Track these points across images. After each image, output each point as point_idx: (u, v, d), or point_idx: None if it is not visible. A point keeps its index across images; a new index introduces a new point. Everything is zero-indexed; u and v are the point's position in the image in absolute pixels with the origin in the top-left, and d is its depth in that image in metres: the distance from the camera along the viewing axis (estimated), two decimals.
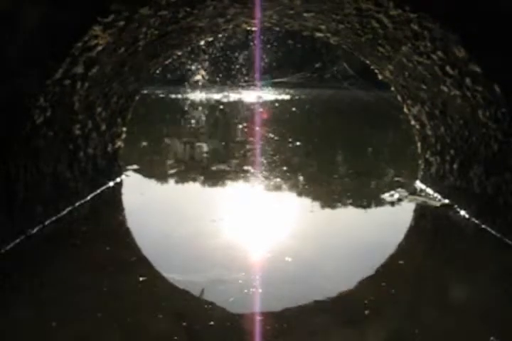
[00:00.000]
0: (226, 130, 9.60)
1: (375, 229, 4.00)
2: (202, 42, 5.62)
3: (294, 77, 19.36)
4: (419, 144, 5.27)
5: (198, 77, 19.25)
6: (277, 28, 5.78)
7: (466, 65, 3.36)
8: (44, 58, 3.09)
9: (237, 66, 19.76)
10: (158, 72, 5.52)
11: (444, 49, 3.48)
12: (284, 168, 6.07)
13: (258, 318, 2.47)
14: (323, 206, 4.73)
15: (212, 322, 2.43)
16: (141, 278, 2.89)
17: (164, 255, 3.32)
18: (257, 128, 9.48)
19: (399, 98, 5.27)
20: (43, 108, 3.29)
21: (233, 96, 15.86)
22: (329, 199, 4.84)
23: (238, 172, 5.81)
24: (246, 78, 18.85)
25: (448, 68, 3.68)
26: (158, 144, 7.95)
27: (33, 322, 2.41)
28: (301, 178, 5.56)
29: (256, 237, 3.70)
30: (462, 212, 4.18)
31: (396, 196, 4.78)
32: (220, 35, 5.65)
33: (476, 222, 3.92)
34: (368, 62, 5.34)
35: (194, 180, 5.62)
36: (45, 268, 3.01)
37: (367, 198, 4.91)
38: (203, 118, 11.65)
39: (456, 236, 3.87)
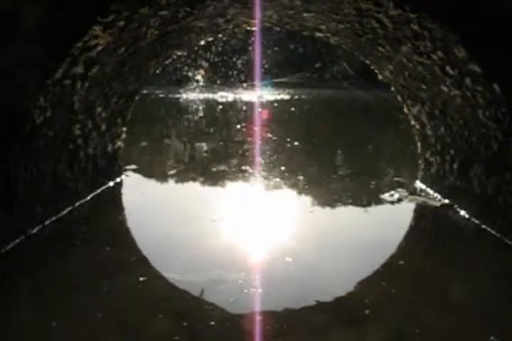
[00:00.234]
0: (225, 130, 9.59)
1: (375, 229, 4.00)
2: (202, 43, 5.61)
3: (294, 77, 19.36)
4: (419, 144, 5.27)
5: (198, 77, 19.26)
6: (277, 28, 5.77)
7: (466, 65, 3.36)
8: (44, 58, 3.09)
9: (237, 66, 19.77)
10: (158, 72, 5.52)
11: (444, 49, 3.48)
12: (284, 168, 6.07)
13: (258, 318, 2.47)
14: (323, 206, 4.73)
15: (212, 322, 2.43)
16: (141, 278, 2.89)
17: (164, 255, 3.32)
18: (257, 128, 9.47)
19: (399, 98, 5.27)
20: (43, 108, 3.29)
21: (233, 96, 15.85)
22: (329, 199, 4.84)
23: (238, 173, 5.81)
24: (246, 78, 18.85)
25: (448, 68, 3.68)
26: (157, 144, 7.94)
27: (33, 322, 2.41)
28: (300, 178, 5.56)
29: (256, 237, 3.70)
30: (462, 212, 4.18)
31: (396, 196, 4.78)
32: (220, 36, 5.64)
33: (476, 222, 3.92)
34: (368, 62, 5.35)
35: (194, 180, 5.62)
36: (45, 268, 3.01)
37: (367, 198, 4.90)
38: (203, 118, 11.65)
39: (456, 236, 3.87)
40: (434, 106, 4.49)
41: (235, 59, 20.06)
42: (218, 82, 19.01)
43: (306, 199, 4.92)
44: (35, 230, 3.51)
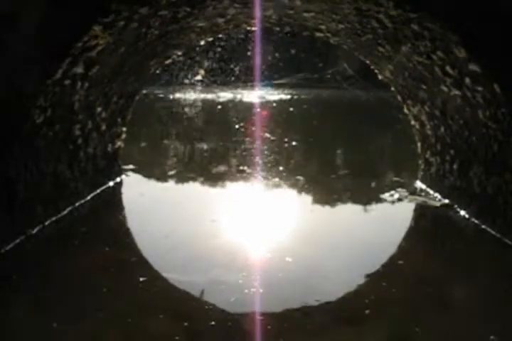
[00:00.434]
0: (224, 130, 9.59)
1: (374, 228, 4.00)
2: (202, 43, 5.61)
3: (294, 77, 19.35)
4: (419, 144, 5.27)
5: (198, 77, 19.25)
6: (277, 28, 5.77)
7: (466, 65, 3.36)
8: (44, 58, 3.09)
9: (237, 66, 19.76)
10: (158, 72, 5.52)
11: (444, 49, 3.48)
12: (283, 169, 6.07)
13: (259, 318, 2.47)
14: (322, 206, 4.74)
15: (213, 322, 2.43)
16: (141, 279, 2.89)
17: (164, 255, 3.32)
18: (256, 129, 9.46)
19: (399, 98, 5.27)
20: (43, 108, 3.29)
21: (233, 96, 15.85)
22: (329, 198, 4.84)
23: (237, 173, 5.81)
24: (246, 79, 18.84)
25: (448, 68, 3.68)
26: (157, 145, 7.94)
27: (33, 323, 2.41)
28: (300, 178, 5.56)
29: (256, 237, 3.70)
30: (462, 212, 4.18)
31: (396, 196, 4.78)
32: (220, 36, 5.64)
33: (476, 222, 3.92)
34: (368, 62, 5.34)
35: (194, 180, 5.62)
36: (45, 268, 3.01)
37: (367, 198, 4.90)
38: (202, 118, 11.65)
39: (456, 236, 3.87)
40: (434, 106, 4.49)
41: (234, 59, 20.05)
42: (218, 82, 19.00)
43: (306, 199, 4.92)
44: (35, 230, 3.50)
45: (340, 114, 13.33)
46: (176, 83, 17.96)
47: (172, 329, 2.37)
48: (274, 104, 14.12)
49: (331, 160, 7.27)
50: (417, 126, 5.15)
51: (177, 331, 2.35)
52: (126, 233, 3.78)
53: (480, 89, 3.41)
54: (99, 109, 4.39)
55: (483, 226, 3.81)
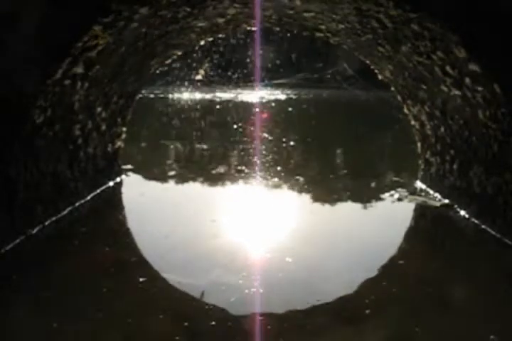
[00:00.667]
0: (223, 130, 9.60)
1: (374, 228, 4.00)
2: (202, 43, 5.61)
3: (294, 77, 19.35)
4: (419, 144, 5.27)
5: (198, 77, 19.25)
6: (277, 28, 5.77)
7: (466, 65, 3.36)
8: (44, 58, 3.09)
9: (237, 67, 19.75)
10: (158, 72, 5.52)
11: (444, 49, 3.48)
12: (283, 169, 6.07)
13: (259, 318, 2.47)
14: (322, 206, 4.74)
15: (213, 322, 2.43)
16: (141, 279, 2.89)
17: (164, 255, 3.32)
18: (255, 129, 9.47)
19: (399, 98, 5.27)
20: (43, 108, 3.29)
21: (232, 96, 15.85)
22: (329, 199, 4.84)
23: (236, 173, 5.81)
24: (245, 79, 18.83)
25: (448, 68, 3.68)
26: (156, 145, 7.94)
27: (33, 323, 2.41)
28: (300, 178, 5.56)
29: (256, 237, 3.70)
30: (462, 212, 4.18)
31: (396, 196, 4.78)
32: (220, 36, 5.64)
33: (476, 222, 3.92)
34: (368, 62, 5.34)
35: (193, 180, 5.62)
36: (45, 268, 3.01)
37: (367, 198, 4.90)
38: (201, 117, 11.65)
39: (456, 236, 3.87)
40: (434, 106, 4.49)
41: (234, 59, 20.05)
42: (218, 82, 19.00)
43: (306, 200, 4.92)
44: (35, 230, 3.50)
45: (340, 113, 13.34)
46: (176, 83, 17.97)
47: (172, 329, 2.37)
48: (274, 104, 14.13)
49: (331, 160, 7.27)
50: (417, 126, 5.15)
51: (177, 331, 2.35)
52: (126, 233, 3.78)
53: (480, 89, 3.41)
54: (99, 109, 4.39)
55: (483, 226, 3.81)
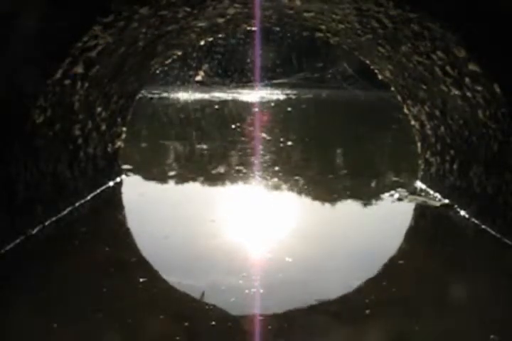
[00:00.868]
0: (222, 130, 9.60)
1: (374, 228, 4.00)
2: (202, 43, 5.61)
3: (294, 77, 19.35)
4: (419, 144, 5.27)
5: (198, 78, 19.25)
6: (277, 28, 5.78)
7: (466, 65, 3.36)
8: (44, 58, 3.09)
9: (237, 67, 19.75)
10: (158, 72, 5.52)
11: (444, 49, 3.48)
12: (283, 169, 6.07)
13: (259, 318, 2.47)
14: (322, 206, 4.74)
15: (213, 323, 2.43)
16: (141, 279, 2.88)
17: (164, 255, 3.32)
18: (254, 129, 9.46)
19: (399, 98, 5.27)
20: (43, 108, 3.29)
21: (232, 96, 15.85)
22: (329, 198, 4.84)
23: (235, 173, 5.80)
24: (245, 79, 18.83)
25: (448, 68, 3.68)
26: (156, 145, 7.94)
27: (33, 323, 2.41)
28: (299, 179, 5.55)
29: (256, 237, 3.70)
30: (462, 212, 4.18)
31: (396, 196, 4.78)
32: (220, 36, 5.64)
33: (476, 222, 3.92)
34: (368, 62, 5.34)
35: (193, 180, 5.62)
36: (45, 268, 3.01)
37: (367, 198, 4.90)
38: (201, 117, 11.66)
39: (456, 236, 3.87)
40: (434, 106, 4.49)
41: (234, 59, 20.04)
42: (218, 82, 18.99)
43: (305, 200, 4.92)
44: (35, 230, 3.50)
45: (340, 113, 13.34)
46: (175, 83, 17.97)
47: (173, 329, 2.37)
48: (274, 104, 14.13)
49: (330, 160, 7.27)
50: (417, 126, 5.15)
51: (177, 331, 2.34)
52: (126, 233, 3.78)
53: (480, 89, 3.41)
54: (99, 109, 4.39)
55: (483, 226, 3.81)
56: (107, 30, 3.32)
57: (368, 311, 2.58)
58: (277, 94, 16.69)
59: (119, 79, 4.41)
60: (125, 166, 5.52)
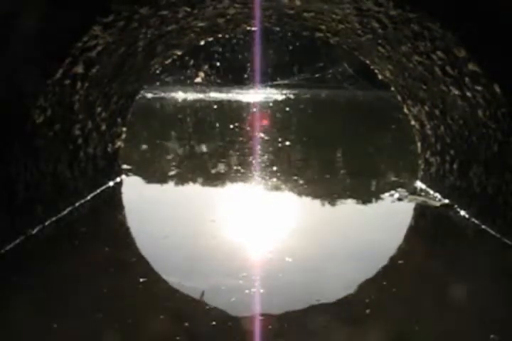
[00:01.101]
0: (220, 130, 9.60)
1: (375, 228, 4.00)
2: (202, 43, 5.61)
3: (294, 77, 19.35)
4: (419, 144, 5.27)
5: (198, 80, 19.26)
6: (277, 28, 5.78)
7: (466, 65, 3.36)
8: (44, 58, 3.09)
9: (237, 67, 19.74)
10: (158, 72, 5.52)
11: (444, 49, 3.48)
12: (283, 169, 6.07)
13: (259, 318, 2.47)
14: (322, 206, 4.73)
15: (214, 323, 2.43)
16: (141, 279, 2.88)
17: (164, 255, 3.32)
18: (253, 129, 9.46)
19: (399, 98, 5.27)
20: (43, 108, 3.28)
21: (232, 96, 15.85)
22: (329, 199, 4.84)
23: (234, 173, 5.80)
24: (245, 79, 18.84)
25: (448, 68, 3.68)
26: (156, 145, 7.95)
27: (33, 323, 2.41)
28: (299, 179, 5.55)
29: (255, 237, 3.70)
30: (462, 212, 4.18)
31: (396, 196, 4.78)
32: (219, 36, 5.64)
33: (476, 222, 3.92)
34: (368, 62, 5.34)
35: (193, 180, 5.62)
36: (45, 268, 3.01)
37: (367, 198, 4.90)
38: (200, 118, 11.66)
39: (456, 236, 3.87)
40: (434, 106, 4.49)
41: (234, 60, 20.04)
42: (217, 83, 19.00)
43: (305, 200, 4.92)
44: (35, 230, 3.50)
45: (339, 113, 13.34)
46: (175, 83, 17.97)
47: (173, 329, 2.37)
48: (274, 105, 14.12)
49: (330, 160, 7.26)
50: (417, 126, 5.15)
51: (178, 331, 2.34)
52: (126, 233, 3.78)
53: (480, 89, 3.41)
54: (99, 109, 4.39)
55: (483, 227, 3.81)
56: (107, 30, 3.32)
57: (367, 311, 2.58)
58: (277, 94, 16.69)
59: (119, 79, 4.41)
60: (125, 166, 5.52)
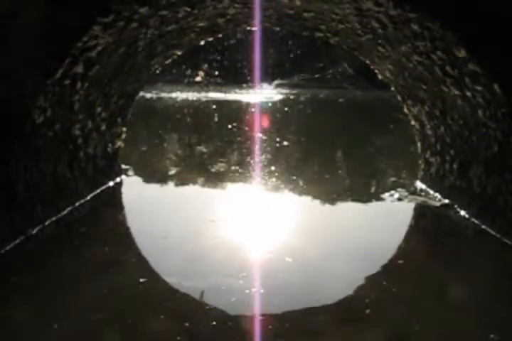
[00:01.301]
0: (219, 130, 9.61)
1: (375, 228, 4.00)
2: (202, 43, 5.61)
3: (294, 77, 19.35)
4: (419, 144, 5.27)
5: (198, 78, 19.26)
6: (277, 28, 5.78)
7: (466, 65, 3.36)
8: (44, 58, 3.09)
9: (237, 67, 19.75)
10: (158, 72, 5.52)
11: (444, 49, 3.48)
12: (283, 169, 6.07)
13: (260, 318, 2.47)
14: (322, 206, 4.73)
15: (214, 323, 2.43)
16: (141, 279, 2.88)
17: (164, 255, 3.32)
18: (253, 129, 9.46)
19: (399, 98, 5.27)
20: (43, 108, 3.29)
21: (231, 96, 15.85)
22: (328, 199, 4.84)
23: (233, 173, 5.80)
24: (245, 79, 18.84)
25: (448, 68, 3.68)
26: (155, 145, 7.95)
27: (33, 323, 2.41)
28: (299, 179, 5.55)
29: (255, 237, 3.70)
30: (462, 212, 4.18)
31: (396, 196, 4.78)
32: (219, 36, 5.64)
33: (476, 222, 3.92)
34: (368, 62, 5.35)
35: (193, 180, 5.61)
36: (45, 268, 3.01)
37: (367, 198, 4.90)
38: (199, 118, 11.66)
39: (456, 236, 3.87)
40: (434, 106, 4.49)
41: (234, 60, 20.05)
42: (217, 82, 19.00)
43: (305, 200, 4.92)
44: (35, 230, 3.50)
45: (339, 113, 13.33)
46: (175, 83, 17.97)
47: (173, 329, 2.37)
48: (273, 105, 14.12)
49: (330, 160, 7.26)
50: (417, 126, 5.15)
51: (178, 331, 2.34)
52: (126, 233, 3.77)
53: (480, 89, 3.41)
54: (99, 109, 4.39)
55: (483, 227, 3.81)
56: (107, 30, 3.32)
57: (368, 311, 2.58)
58: (277, 94, 16.69)
59: (119, 79, 4.41)
60: (125, 166, 5.52)
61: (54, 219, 3.77)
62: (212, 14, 4.28)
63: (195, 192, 5.19)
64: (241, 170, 5.89)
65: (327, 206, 4.72)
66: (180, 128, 9.93)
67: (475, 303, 2.72)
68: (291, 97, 16.14)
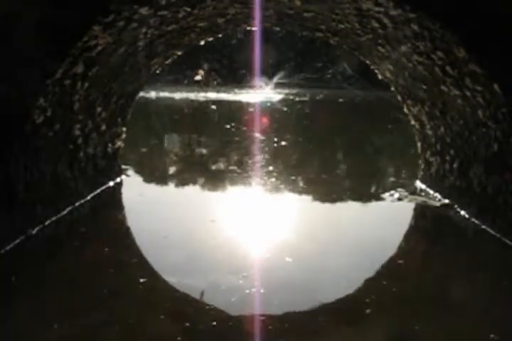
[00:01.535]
0: (219, 130, 9.61)
1: (375, 228, 4.00)
2: (202, 43, 5.61)
3: (294, 77, 19.35)
4: (419, 144, 5.28)
5: (198, 78, 19.25)
6: (277, 28, 5.78)
7: (466, 65, 3.36)
8: (44, 58, 3.09)
9: (237, 67, 19.75)
10: (158, 72, 5.52)
11: (444, 49, 3.48)
12: (282, 169, 6.07)
13: (260, 318, 2.47)
14: (322, 206, 4.73)
15: (214, 323, 2.43)
16: (141, 279, 2.88)
17: (164, 255, 3.32)
18: (251, 129, 9.45)
19: (399, 98, 5.27)
20: (43, 108, 3.29)
21: (231, 96, 15.85)
22: (328, 199, 4.84)
23: (231, 173, 5.81)
24: (245, 79, 18.84)
25: (448, 68, 3.68)
26: (155, 145, 7.95)
27: (33, 322, 2.41)
28: (299, 179, 5.55)
29: (255, 237, 3.70)
30: (462, 212, 4.18)
31: (396, 196, 4.78)
32: (219, 36, 5.65)
33: (476, 222, 3.92)
34: (368, 62, 5.35)
35: (193, 180, 5.62)
36: (45, 268, 3.01)
37: (366, 198, 4.91)
38: (198, 118, 11.66)
39: (456, 236, 3.87)
40: (434, 106, 4.49)
41: (234, 60, 20.05)
42: (217, 82, 19.00)
43: (305, 199, 4.92)
44: (35, 230, 3.50)
45: (339, 113, 13.33)
46: (175, 83, 17.97)
47: (174, 329, 2.37)
48: (273, 105, 14.12)
49: (330, 160, 7.27)
50: (417, 126, 5.16)
51: (178, 331, 2.35)
52: (126, 233, 3.77)
53: (480, 89, 3.41)
54: (99, 109, 4.39)
55: (483, 227, 3.81)
56: (107, 30, 3.32)
57: (368, 311, 2.58)
58: (277, 94, 16.69)
59: (119, 79, 4.41)
60: (125, 166, 5.52)
61: (54, 219, 3.77)
62: (212, 14, 4.28)
63: (195, 192, 5.19)
64: (241, 170, 5.89)
65: (327, 206, 4.72)
66: (180, 128, 9.93)
67: (475, 303, 2.72)
68: (291, 97, 16.13)
